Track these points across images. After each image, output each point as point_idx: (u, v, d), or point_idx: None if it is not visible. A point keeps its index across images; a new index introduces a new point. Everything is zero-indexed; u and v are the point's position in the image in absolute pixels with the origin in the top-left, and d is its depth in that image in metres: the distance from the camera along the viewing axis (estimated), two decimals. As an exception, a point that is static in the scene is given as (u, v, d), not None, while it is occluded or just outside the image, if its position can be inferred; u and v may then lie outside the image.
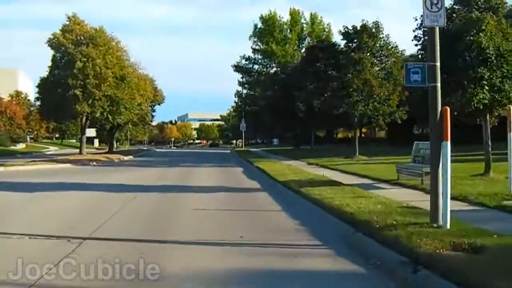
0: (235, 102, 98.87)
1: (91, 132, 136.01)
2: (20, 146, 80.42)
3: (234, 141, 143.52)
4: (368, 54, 30.88)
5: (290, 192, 15.27)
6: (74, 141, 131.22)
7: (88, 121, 44.65)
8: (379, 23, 31.47)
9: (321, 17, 55.76)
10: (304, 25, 55.63)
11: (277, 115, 50.25)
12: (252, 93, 67.01)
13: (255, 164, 29.13)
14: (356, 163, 27.06)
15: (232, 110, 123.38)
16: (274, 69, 54.76)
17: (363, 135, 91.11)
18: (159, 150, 78.59)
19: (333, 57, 32.02)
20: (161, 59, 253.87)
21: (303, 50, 53.67)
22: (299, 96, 40.75)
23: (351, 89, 30.15)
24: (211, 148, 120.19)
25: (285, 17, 55.44)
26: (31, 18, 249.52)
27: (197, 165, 31.83)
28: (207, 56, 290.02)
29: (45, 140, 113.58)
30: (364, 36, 30.72)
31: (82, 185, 18.07)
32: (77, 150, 69.99)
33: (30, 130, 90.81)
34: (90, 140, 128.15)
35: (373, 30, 31.32)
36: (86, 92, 38.45)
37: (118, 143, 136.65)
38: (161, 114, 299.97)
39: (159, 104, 54.78)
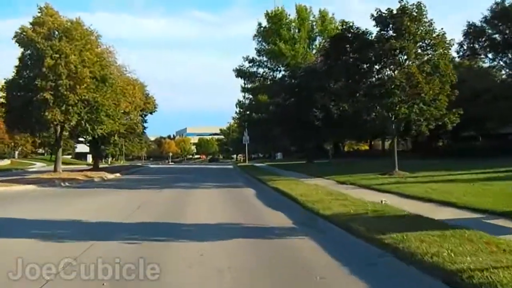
0: (236, 113, 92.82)
1: (83, 147, 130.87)
2: (5, 163, 74.14)
3: (234, 156, 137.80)
4: (411, 42, 24.28)
5: (353, 239, 8.96)
6: (69, 156, 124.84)
7: (68, 133, 37.94)
8: (421, 5, 24.95)
9: (332, 14, 49.10)
10: (314, 23, 49.00)
11: (287, 125, 43.83)
12: (255, 101, 60.65)
13: (270, 183, 22.73)
14: (405, 182, 20.38)
15: (233, 122, 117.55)
16: (282, 72, 48.12)
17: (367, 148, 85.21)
18: (154, 166, 71.35)
19: (365, 47, 25.20)
20: (158, 74, 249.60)
21: (314, 51, 47.40)
22: (321, 98, 34.31)
23: (392, 86, 23.50)
24: (211, 163, 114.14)
25: (293, 14, 49.03)
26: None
27: (196, 185, 25.27)
28: (206, 71, 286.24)
29: (37, 156, 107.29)
30: (405, 20, 24.11)
31: (18, 222, 11.80)
32: (67, 166, 63.68)
33: (15, 144, 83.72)
34: (83, 156, 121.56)
35: (414, 13, 24.85)
36: (58, 95, 31.67)
37: (113, 159, 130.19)
38: (159, 129, 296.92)
39: (151, 113, 47.92)
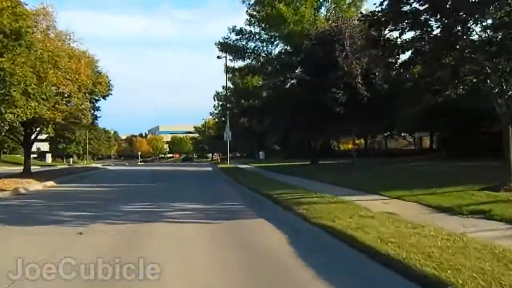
0: (214, 106, 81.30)
1: (44, 145, 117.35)
2: None
3: (210, 155, 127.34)
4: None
5: None
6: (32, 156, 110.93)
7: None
8: None
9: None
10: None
11: (287, 114, 32.67)
12: (242, 86, 49.26)
13: (304, 212, 11.39)
14: None
15: (210, 118, 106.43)
16: (281, 46, 36.78)
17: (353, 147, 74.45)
18: (117, 168, 58.56)
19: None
20: (133, 72, 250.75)
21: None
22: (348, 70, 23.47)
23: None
24: (184, 162, 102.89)
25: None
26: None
27: (162, 208, 14.05)
28: (180, 69, 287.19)
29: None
30: None
31: None
32: (17, 168, 51.39)
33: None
34: (42, 155, 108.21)
35: None
36: None
37: (78, 158, 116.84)
38: (131, 127, 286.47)
39: (104, 98, 35.60)
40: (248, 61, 37.73)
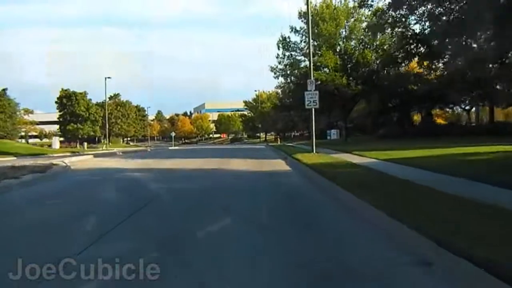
0: (278, 56, 52.29)
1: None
2: None
3: (262, 134, 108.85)
4: None
5: None
6: (25, 141, 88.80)
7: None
8: None
9: None
10: None
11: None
12: None
13: None
14: None
15: (263, 92, 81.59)
16: None
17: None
18: (95, 163, 28.19)
19: None
20: (179, 53, 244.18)
21: None
22: None
23: None
24: (232, 145, 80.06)
25: None
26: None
27: None
28: (226, 49, 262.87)
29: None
30: None
31: None
32: None
33: None
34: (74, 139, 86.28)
35: None
36: None
37: (106, 141, 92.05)
38: (177, 107, 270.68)
39: None
40: None
